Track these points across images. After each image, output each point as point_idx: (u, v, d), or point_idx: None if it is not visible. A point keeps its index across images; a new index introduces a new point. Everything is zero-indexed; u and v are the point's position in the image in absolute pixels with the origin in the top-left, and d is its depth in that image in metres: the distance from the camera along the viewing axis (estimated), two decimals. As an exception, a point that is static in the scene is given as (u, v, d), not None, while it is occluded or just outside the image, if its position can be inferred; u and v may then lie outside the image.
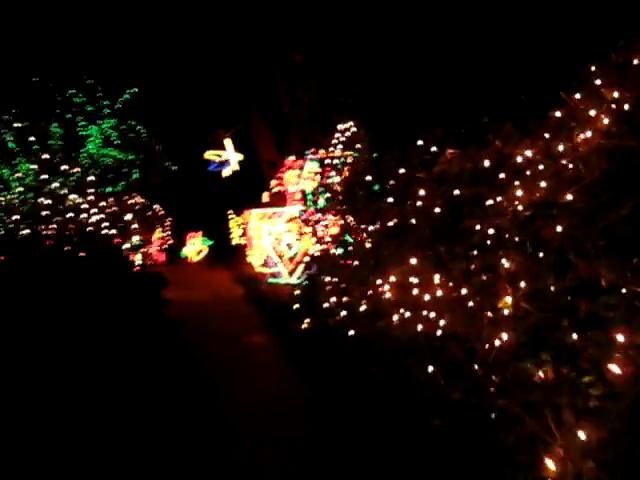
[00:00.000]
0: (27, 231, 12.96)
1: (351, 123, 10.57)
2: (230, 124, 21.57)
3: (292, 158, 16.71)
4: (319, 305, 9.47)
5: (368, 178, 8.91)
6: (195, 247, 25.98)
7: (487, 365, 3.84)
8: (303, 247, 15.00)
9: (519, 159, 4.17)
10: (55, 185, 14.64)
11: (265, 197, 18.34)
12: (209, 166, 22.03)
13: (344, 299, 8.23)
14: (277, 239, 15.94)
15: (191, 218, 25.79)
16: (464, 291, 4.29)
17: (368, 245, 8.11)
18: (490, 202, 4.33)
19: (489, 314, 3.91)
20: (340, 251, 10.30)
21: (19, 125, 17.77)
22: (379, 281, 6.42)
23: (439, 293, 4.71)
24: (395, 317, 5.58)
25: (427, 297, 4.91)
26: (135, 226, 14.87)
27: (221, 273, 19.11)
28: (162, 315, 9.55)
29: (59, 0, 18.04)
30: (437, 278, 4.81)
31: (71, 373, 7.09)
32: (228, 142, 21.19)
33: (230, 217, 20.55)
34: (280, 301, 12.01)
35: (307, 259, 14.77)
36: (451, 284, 4.56)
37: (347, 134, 11.30)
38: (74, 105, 18.90)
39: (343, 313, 8.28)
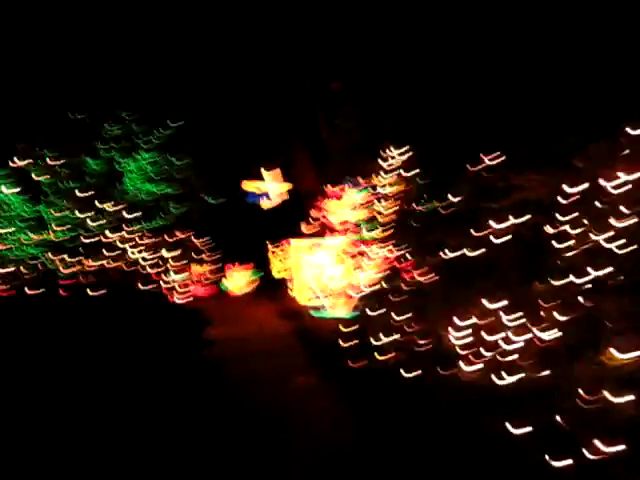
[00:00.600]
0: (70, 269, 12.70)
1: (399, 150, 10.02)
2: (272, 155, 21.26)
3: (333, 187, 16.25)
4: (369, 342, 8.94)
5: (420, 207, 8.38)
6: (240, 279, 25.54)
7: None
8: (347, 279, 14.46)
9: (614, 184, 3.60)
10: (92, 223, 14.35)
11: (305, 227, 17.85)
12: (247, 198, 21.71)
13: (398, 337, 7.67)
14: (319, 271, 15.44)
15: (236, 251, 25.41)
16: (558, 337, 3.71)
17: (422, 279, 7.55)
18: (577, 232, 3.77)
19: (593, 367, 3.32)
20: (387, 284, 9.80)
21: (56, 163, 17.69)
22: (443, 320, 5.83)
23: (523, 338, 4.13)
24: (466, 365, 4.98)
25: (515, 344, 4.29)
26: (176, 262, 14.47)
27: (265, 307, 18.61)
28: (204, 358, 9.09)
29: (99, 35, 18.05)
30: (522, 321, 4.23)
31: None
32: (266, 173, 20.86)
33: (270, 249, 20.11)
34: (326, 337, 11.48)
35: (353, 291, 14.27)
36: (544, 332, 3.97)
37: (393, 160, 10.76)
38: (112, 140, 18.77)
39: (397, 353, 7.73)
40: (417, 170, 9.42)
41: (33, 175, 17.71)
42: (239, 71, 19.01)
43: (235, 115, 20.66)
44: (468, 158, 7.93)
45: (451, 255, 6.52)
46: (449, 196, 7.23)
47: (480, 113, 9.98)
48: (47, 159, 17.87)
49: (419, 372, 6.40)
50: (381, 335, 8.69)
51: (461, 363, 4.86)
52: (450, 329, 5.47)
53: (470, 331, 5.09)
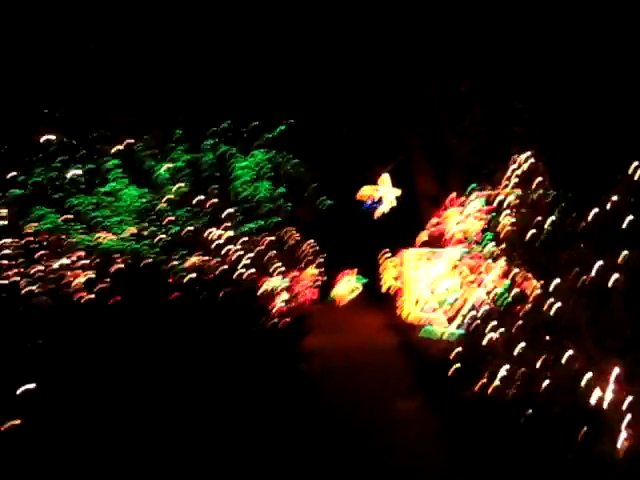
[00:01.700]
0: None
1: (527, 154, 8.80)
2: (388, 158, 20.36)
3: (454, 195, 15.18)
4: (484, 368, 7.90)
5: (550, 219, 7.25)
6: (348, 285, 24.94)
7: None
8: (465, 294, 13.37)
9: None
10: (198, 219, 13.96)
11: (423, 236, 16.81)
12: (364, 204, 20.86)
13: (523, 370, 6.58)
14: (435, 283, 14.40)
15: (345, 256, 24.84)
16: None
17: (554, 303, 6.42)
18: None
19: None
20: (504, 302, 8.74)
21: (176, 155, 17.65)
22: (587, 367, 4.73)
23: None
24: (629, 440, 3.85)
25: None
26: (279, 265, 13.80)
27: (372, 317, 17.80)
28: (300, 372, 8.40)
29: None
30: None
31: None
32: (384, 178, 19.97)
33: (384, 257, 19.20)
34: (436, 356, 10.48)
35: (469, 308, 13.14)
36: None
37: (521, 168, 9.56)
38: (224, 135, 18.52)
39: (518, 387, 6.66)
40: (550, 178, 8.22)
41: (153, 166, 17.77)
42: (359, 69, 18.25)
43: (352, 115, 19.97)
44: (615, 165, 6.72)
45: (594, 277, 5.39)
46: (592, 209, 6.07)
47: (629, 112, 8.66)
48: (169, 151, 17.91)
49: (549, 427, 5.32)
50: (499, 362, 7.64)
51: (623, 434, 3.75)
52: (605, 384, 4.37)
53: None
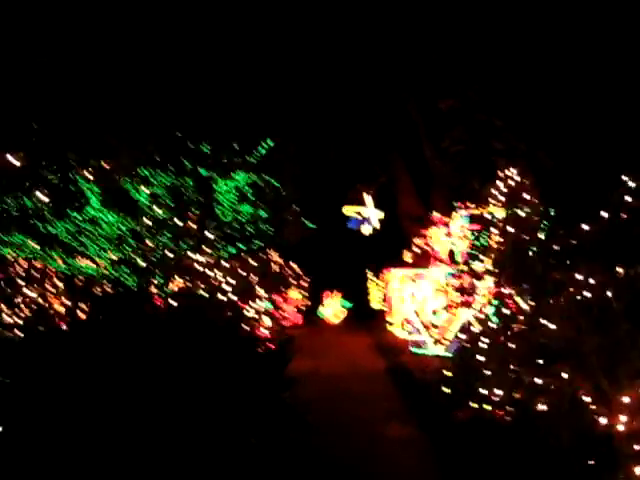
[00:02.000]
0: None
1: (513, 170, 8.63)
2: (370, 178, 20.19)
3: (438, 214, 15.05)
4: (477, 390, 7.66)
5: (541, 236, 7.05)
6: (332, 308, 24.62)
7: None
8: (452, 314, 13.16)
9: None
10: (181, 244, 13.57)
11: (407, 256, 16.61)
12: (348, 223, 20.61)
13: (518, 395, 6.33)
14: (421, 303, 14.19)
15: (329, 277, 24.54)
16: None
17: (549, 324, 6.18)
18: None
19: None
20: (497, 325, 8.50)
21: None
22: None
23: None
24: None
25: None
26: (266, 288, 13.46)
27: (359, 339, 17.48)
28: (284, 401, 8.04)
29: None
30: None
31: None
32: (368, 198, 19.76)
33: (369, 278, 18.94)
34: (426, 379, 10.22)
35: (457, 329, 12.93)
36: None
37: (507, 184, 9.39)
38: (204, 158, 18.20)
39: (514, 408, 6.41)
40: (538, 194, 8.05)
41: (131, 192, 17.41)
42: (338, 89, 18.11)
43: (332, 135, 19.82)
44: (604, 180, 6.54)
45: (588, 296, 5.17)
46: (582, 225, 5.87)
47: (614, 127, 8.55)
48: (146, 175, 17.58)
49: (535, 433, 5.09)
50: (491, 385, 7.40)
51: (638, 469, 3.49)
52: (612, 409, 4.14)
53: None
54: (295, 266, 24.87)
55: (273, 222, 20.19)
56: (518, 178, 7.82)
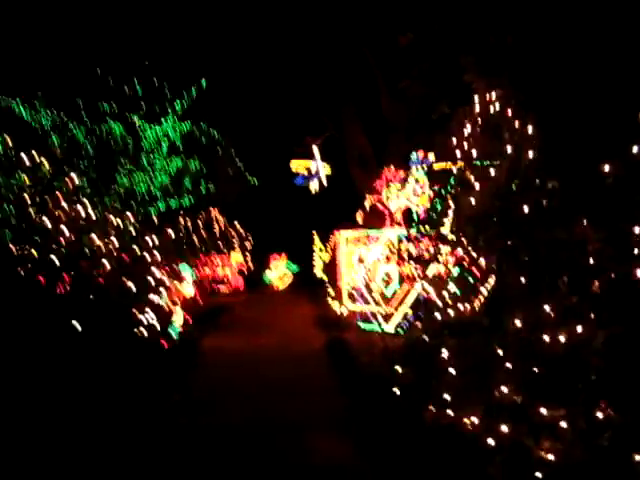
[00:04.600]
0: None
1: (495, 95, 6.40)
2: (319, 130, 17.93)
3: (393, 168, 13.04)
4: (436, 388, 5.83)
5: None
6: (278, 272, 22.69)
7: None
8: (407, 283, 11.28)
9: None
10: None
11: (359, 216, 14.52)
12: (295, 179, 18.33)
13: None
14: (371, 270, 12.25)
15: (275, 239, 22.61)
16: None
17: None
18: None
19: None
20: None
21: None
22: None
23: None
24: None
25: None
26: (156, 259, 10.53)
27: (302, 309, 15.58)
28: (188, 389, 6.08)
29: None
30: None
31: None
32: (316, 150, 17.51)
33: (316, 240, 16.86)
34: (373, 365, 8.27)
35: (412, 302, 11.06)
36: None
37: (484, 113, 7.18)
38: (132, 101, 15.89)
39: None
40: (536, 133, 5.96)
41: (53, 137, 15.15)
42: (282, 31, 15.85)
43: (279, 83, 17.58)
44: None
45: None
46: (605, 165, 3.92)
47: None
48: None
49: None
50: (452, 381, 5.60)
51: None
52: None
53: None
54: (239, 226, 22.98)
55: (210, 176, 18.03)
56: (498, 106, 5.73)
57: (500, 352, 4.45)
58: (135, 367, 6.93)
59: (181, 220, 19.62)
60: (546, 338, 3.84)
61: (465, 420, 4.83)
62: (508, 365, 4.25)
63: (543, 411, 3.74)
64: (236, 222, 22.77)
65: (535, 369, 3.93)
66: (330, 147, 17.47)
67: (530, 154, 5.00)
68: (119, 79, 15.91)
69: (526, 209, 4.60)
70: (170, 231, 13.14)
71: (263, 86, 17.88)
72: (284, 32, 16.13)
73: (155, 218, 14.82)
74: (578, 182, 4.25)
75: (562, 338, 3.72)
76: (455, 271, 7.92)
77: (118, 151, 16.09)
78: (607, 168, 4.03)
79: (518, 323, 4.18)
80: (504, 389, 4.23)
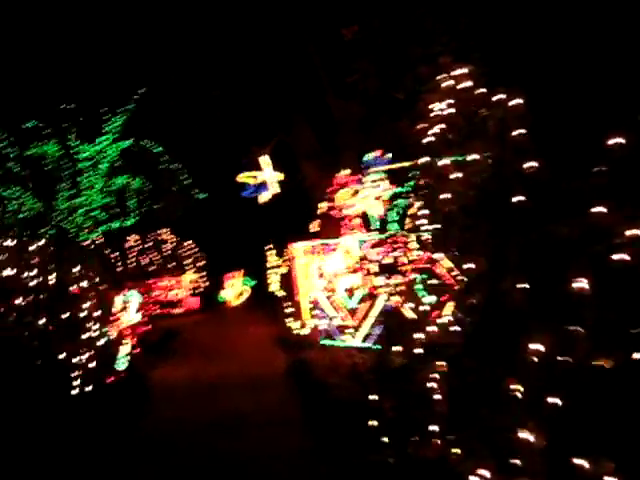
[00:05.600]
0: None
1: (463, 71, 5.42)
2: (268, 136, 16.94)
3: (346, 172, 12.18)
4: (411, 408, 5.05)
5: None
6: (235, 290, 21.77)
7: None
8: (369, 294, 10.38)
9: None
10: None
11: (315, 226, 13.54)
12: (243, 191, 17.28)
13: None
14: (332, 282, 11.34)
15: (231, 255, 21.70)
16: None
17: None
18: None
19: None
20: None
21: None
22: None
23: None
24: None
25: None
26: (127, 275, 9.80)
27: (259, 328, 14.58)
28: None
29: None
30: None
31: None
32: (265, 160, 16.51)
33: (268, 254, 15.86)
34: (341, 391, 7.27)
35: (378, 313, 10.13)
36: None
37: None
38: (64, 119, 14.78)
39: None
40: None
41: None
42: (224, 34, 14.93)
43: (222, 90, 16.58)
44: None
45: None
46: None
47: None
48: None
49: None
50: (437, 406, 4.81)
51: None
52: None
53: None
54: (192, 245, 22.09)
55: (155, 193, 16.95)
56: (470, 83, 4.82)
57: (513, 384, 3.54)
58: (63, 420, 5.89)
59: (129, 241, 18.53)
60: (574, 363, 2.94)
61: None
62: (518, 395, 3.36)
63: (580, 463, 2.83)
64: (189, 241, 21.91)
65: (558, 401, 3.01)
66: (281, 155, 16.58)
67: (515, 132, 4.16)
68: (50, 98, 14.80)
69: (522, 198, 3.73)
70: (113, 255, 12.07)
71: (205, 96, 16.88)
72: (225, 38, 15.21)
73: (97, 240, 13.75)
74: (580, 159, 3.40)
75: (602, 364, 2.83)
76: (419, 278, 7.17)
77: (54, 174, 15.04)
78: (615, 140, 3.19)
79: (534, 346, 3.28)
80: (522, 433, 3.30)
